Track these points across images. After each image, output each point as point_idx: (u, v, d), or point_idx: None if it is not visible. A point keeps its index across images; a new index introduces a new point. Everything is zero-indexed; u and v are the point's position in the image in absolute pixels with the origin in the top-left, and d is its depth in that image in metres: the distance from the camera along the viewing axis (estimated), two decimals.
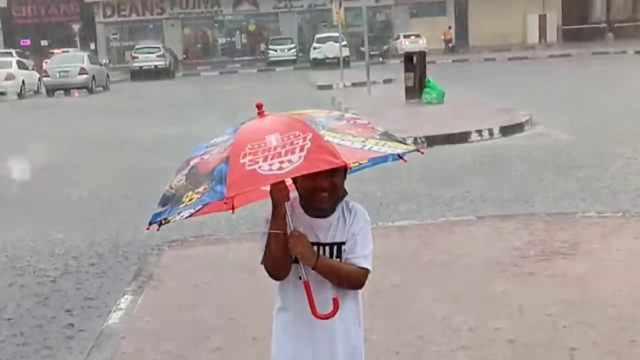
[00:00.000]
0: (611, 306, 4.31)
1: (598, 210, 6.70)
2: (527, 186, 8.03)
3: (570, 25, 49.31)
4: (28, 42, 47.82)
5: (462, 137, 11.46)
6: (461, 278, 4.96)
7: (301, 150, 2.00)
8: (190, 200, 2.12)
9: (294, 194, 2.33)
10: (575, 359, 3.70)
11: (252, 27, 51.33)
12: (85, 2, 48.35)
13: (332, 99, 18.91)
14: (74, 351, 4.38)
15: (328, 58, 37.41)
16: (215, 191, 2.03)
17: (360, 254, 2.29)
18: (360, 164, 2.52)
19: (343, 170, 2.28)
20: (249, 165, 2.00)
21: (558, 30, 49.36)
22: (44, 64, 32.94)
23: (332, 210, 2.32)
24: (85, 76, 29.40)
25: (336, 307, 2.25)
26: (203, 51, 51.19)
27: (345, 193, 2.34)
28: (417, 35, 42.93)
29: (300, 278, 2.26)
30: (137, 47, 40.39)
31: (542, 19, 49.11)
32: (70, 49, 38.44)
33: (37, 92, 31.11)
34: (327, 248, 2.31)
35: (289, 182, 2.31)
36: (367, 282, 2.34)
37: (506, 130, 11.84)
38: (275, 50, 43.20)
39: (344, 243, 2.31)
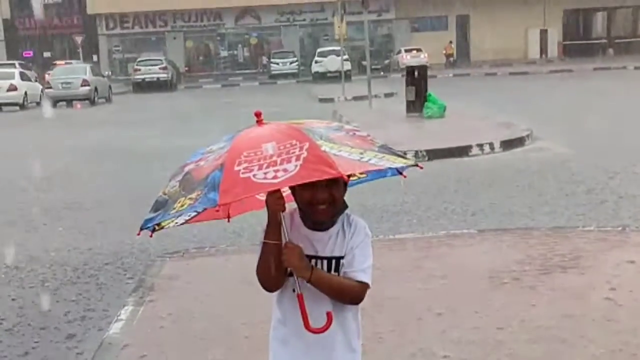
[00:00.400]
0: (612, 320, 4.31)
1: (598, 225, 6.71)
2: (528, 200, 8.05)
3: (571, 40, 49.56)
4: (31, 53, 48.08)
5: (463, 151, 11.49)
6: (461, 291, 4.96)
7: (297, 159, 1.96)
8: (182, 206, 2.08)
9: (293, 204, 2.30)
10: None
11: (254, 41, 51.55)
12: (89, 14, 48.59)
13: (334, 112, 18.96)
14: None
15: (330, 72, 37.49)
16: (207, 198, 1.99)
17: (358, 268, 2.24)
18: (360, 177, 2.48)
19: (342, 183, 2.22)
20: (243, 173, 1.96)
21: (559, 45, 49.53)
22: (46, 76, 33.07)
23: (331, 223, 2.28)
24: (87, 88, 29.51)
25: (329, 321, 2.21)
26: (205, 64, 51.38)
27: (346, 206, 2.29)
28: (419, 50, 43.04)
29: (293, 291, 2.21)
30: (139, 59, 40.50)
31: (543, 34, 49.28)
32: (73, 61, 38.66)
33: (39, 103, 31.16)
34: (325, 262, 2.26)
35: (286, 192, 2.28)
36: (366, 296, 2.28)
37: (507, 145, 11.88)
38: (277, 64, 43.34)
39: (342, 257, 2.25)
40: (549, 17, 48.41)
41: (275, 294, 2.33)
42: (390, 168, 2.30)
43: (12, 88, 28.83)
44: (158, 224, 2.27)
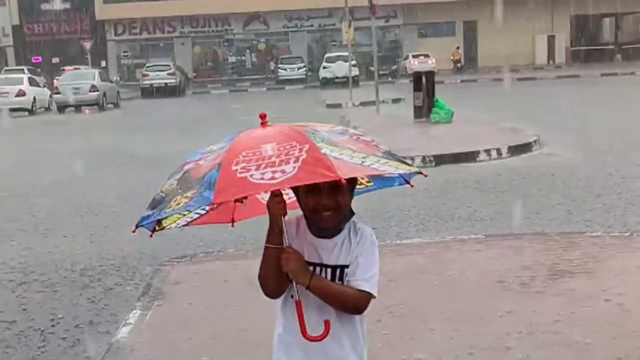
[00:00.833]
0: (620, 326, 4.30)
1: (606, 230, 6.69)
2: (535, 205, 8.03)
3: (579, 46, 49.40)
4: (40, 59, 48.26)
5: (470, 157, 11.47)
6: (469, 297, 4.95)
7: (296, 161, 1.92)
8: (178, 204, 2.07)
9: (299, 212, 2.27)
10: None
11: (262, 46, 51.67)
12: (97, 19, 48.84)
13: (342, 117, 18.98)
14: None
15: (337, 77, 37.51)
16: (203, 197, 1.97)
17: (361, 277, 2.18)
18: (367, 187, 2.46)
19: (349, 190, 2.18)
20: (240, 173, 1.93)
21: (567, 51, 49.43)
22: (55, 81, 33.23)
23: (338, 230, 2.23)
24: (96, 93, 29.65)
25: (327, 330, 2.17)
26: (213, 69, 51.52)
27: (352, 213, 2.25)
28: (426, 55, 43.08)
29: (292, 297, 2.19)
30: (147, 65, 40.73)
31: (551, 40, 49.22)
32: (82, 66, 38.85)
33: (48, 108, 31.36)
34: (329, 270, 2.21)
35: (292, 199, 2.27)
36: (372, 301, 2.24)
37: (514, 150, 11.86)
38: (285, 69, 43.43)
39: (348, 266, 2.20)
40: (557, 23, 48.37)
41: (280, 299, 2.30)
42: (394, 176, 2.28)
43: (21, 93, 29.02)
44: (159, 224, 2.27)
